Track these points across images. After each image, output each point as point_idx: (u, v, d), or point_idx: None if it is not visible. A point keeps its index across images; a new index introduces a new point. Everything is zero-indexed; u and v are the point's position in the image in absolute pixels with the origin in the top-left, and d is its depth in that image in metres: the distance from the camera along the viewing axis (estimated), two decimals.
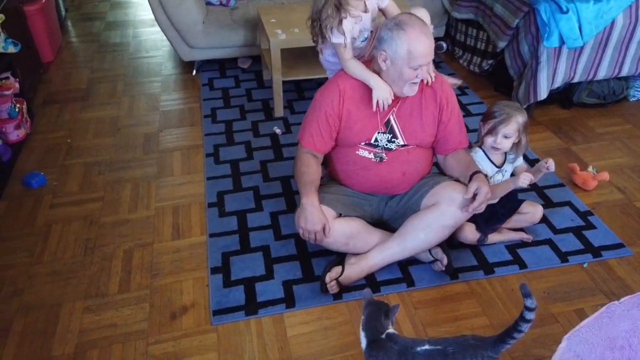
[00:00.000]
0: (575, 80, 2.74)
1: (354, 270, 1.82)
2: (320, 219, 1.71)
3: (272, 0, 3.35)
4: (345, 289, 1.81)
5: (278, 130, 2.72)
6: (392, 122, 1.78)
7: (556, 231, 2.05)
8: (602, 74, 2.75)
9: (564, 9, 2.50)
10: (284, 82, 2.80)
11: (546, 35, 2.54)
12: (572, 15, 2.51)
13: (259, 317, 1.73)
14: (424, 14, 1.84)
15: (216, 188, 2.32)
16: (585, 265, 1.91)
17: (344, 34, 1.72)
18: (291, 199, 2.24)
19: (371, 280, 1.85)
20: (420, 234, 1.77)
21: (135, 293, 1.83)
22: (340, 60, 1.79)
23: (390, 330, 1.36)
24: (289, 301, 1.78)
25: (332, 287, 1.78)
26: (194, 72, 3.34)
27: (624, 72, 2.77)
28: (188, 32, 3.07)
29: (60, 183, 2.37)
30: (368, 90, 1.73)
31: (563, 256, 1.94)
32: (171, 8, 2.98)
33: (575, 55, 2.63)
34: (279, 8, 3.01)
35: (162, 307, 1.77)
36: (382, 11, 1.88)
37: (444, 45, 3.56)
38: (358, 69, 1.74)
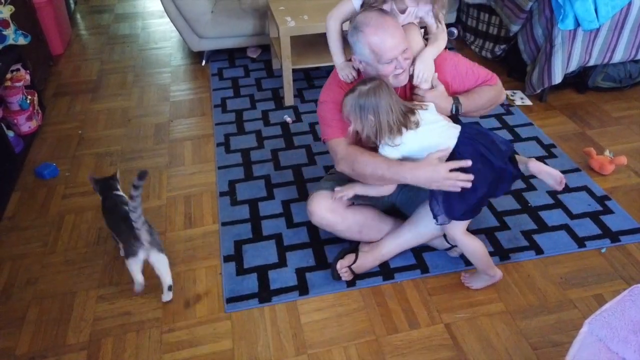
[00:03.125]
0: (591, 63, 2.68)
1: (367, 258, 1.80)
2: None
3: None
4: (358, 276, 1.80)
5: (288, 119, 2.70)
6: None
7: (573, 216, 2.01)
8: (618, 57, 2.68)
9: None
10: (293, 70, 2.78)
11: (561, 17, 2.48)
12: None
13: (273, 304, 1.72)
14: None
15: (227, 177, 2.31)
16: (603, 250, 1.87)
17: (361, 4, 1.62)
18: (302, 187, 2.22)
19: (385, 268, 1.83)
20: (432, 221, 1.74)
21: (148, 281, 1.81)
22: (334, 9, 1.70)
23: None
24: (302, 288, 1.77)
25: (345, 274, 1.77)
26: (203, 62, 3.33)
27: None
28: (197, 22, 3.05)
29: (72, 174, 2.38)
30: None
31: (580, 241, 1.90)
32: None
33: (590, 38, 2.57)
34: None
35: (176, 296, 1.77)
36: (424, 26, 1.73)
37: (455, 31, 3.53)
38: (334, 38, 1.71)
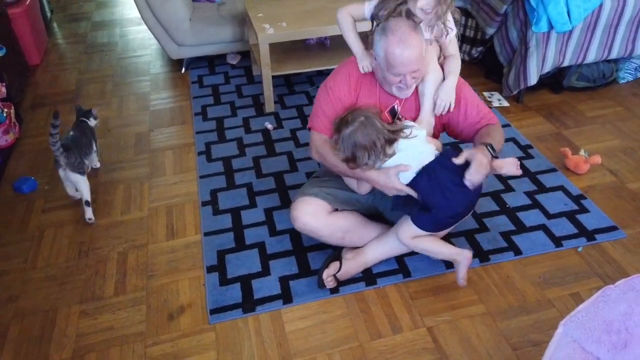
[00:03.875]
0: (565, 64, 2.74)
1: (351, 265, 1.82)
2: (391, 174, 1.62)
3: None
4: (341, 282, 1.81)
5: (269, 126, 2.71)
6: (398, 114, 1.73)
7: (550, 216, 2.06)
8: (591, 57, 2.74)
9: None
10: (273, 76, 2.79)
11: (534, 20, 2.53)
12: None
13: (257, 314, 1.73)
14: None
15: (209, 186, 2.31)
16: (579, 249, 1.92)
17: (368, 18, 1.67)
18: (285, 195, 2.23)
19: (367, 273, 1.85)
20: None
21: (132, 295, 1.82)
22: (346, 6, 1.74)
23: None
24: (286, 297, 1.78)
25: (329, 283, 1.78)
26: (183, 69, 3.31)
27: (613, 54, 2.77)
28: (175, 30, 3.04)
29: (52, 187, 2.35)
30: (375, 79, 1.71)
31: (557, 241, 1.94)
32: (157, 6, 2.95)
33: (564, 40, 2.63)
34: (266, 2, 2.98)
35: (159, 308, 1.76)
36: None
37: None
38: (349, 30, 1.73)
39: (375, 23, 1.66)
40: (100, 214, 2.19)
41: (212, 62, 3.38)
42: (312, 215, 1.79)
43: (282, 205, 2.17)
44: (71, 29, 4.06)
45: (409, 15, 1.57)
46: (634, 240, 1.95)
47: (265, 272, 1.87)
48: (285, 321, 1.70)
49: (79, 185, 2.12)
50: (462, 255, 1.71)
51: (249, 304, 1.76)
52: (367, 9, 1.68)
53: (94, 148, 2.34)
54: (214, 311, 1.74)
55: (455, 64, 1.70)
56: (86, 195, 2.12)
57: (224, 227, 2.08)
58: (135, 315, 1.74)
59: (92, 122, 2.35)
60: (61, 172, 2.09)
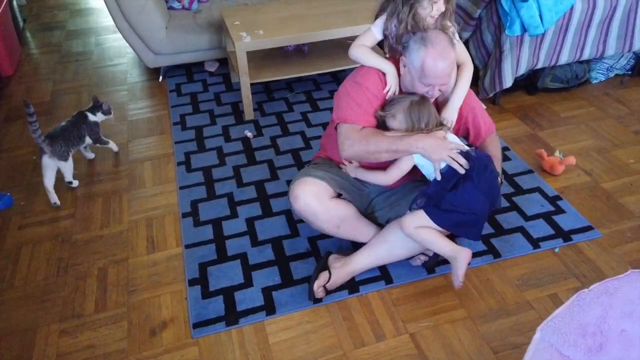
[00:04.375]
0: (539, 66, 2.79)
1: (340, 275, 1.81)
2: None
3: (235, 1, 3.31)
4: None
5: (249, 134, 2.70)
6: None
7: (527, 218, 2.09)
8: (564, 58, 2.80)
9: None
10: (252, 84, 2.78)
11: (508, 24, 2.57)
12: (533, 3, 2.54)
13: (240, 326, 1.73)
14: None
15: (189, 197, 2.29)
16: (556, 250, 1.96)
17: (382, 32, 1.72)
18: (266, 204, 2.23)
19: (350, 281, 1.85)
20: (409, 243, 1.78)
21: (113, 311, 1.80)
22: (355, 41, 1.77)
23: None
24: (269, 308, 1.78)
25: (319, 293, 1.78)
26: (160, 78, 3.29)
27: (585, 55, 2.83)
28: (151, 39, 3.01)
29: (28, 202, 2.32)
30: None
31: (535, 242, 1.98)
32: (132, 15, 2.92)
33: (537, 42, 2.68)
34: (243, 9, 2.98)
35: (141, 324, 1.75)
36: None
37: None
38: (368, 56, 1.73)
39: (391, 40, 1.70)
40: (79, 229, 2.16)
41: (190, 69, 3.36)
42: (315, 196, 1.77)
43: (263, 215, 2.17)
44: (45, 38, 3.99)
45: (442, 28, 1.65)
46: (609, 239, 2.00)
47: (247, 283, 1.87)
48: (269, 333, 1.70)
49: (63, 168, 2.28)
50: (462, 253, 1.68)
51: (232, 316, 1.75)
52: (376, 30, 1.73)
53: (85, 142, 2.41)
54: (196, 325, 1.73)
55: (466, 77, 1.77)
56: (68, 176, 2.31)
57: (205, 239, 2.07)
58: (117, 332, 1.73)
59: (95, 117, 2.42)
60: (44, 160, 2.20)
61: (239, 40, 2.58)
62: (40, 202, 2.31)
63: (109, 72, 3.44)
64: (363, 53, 1.74)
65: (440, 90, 1.70)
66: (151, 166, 2.52)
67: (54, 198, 2.26)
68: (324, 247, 1.99)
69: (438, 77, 1.63)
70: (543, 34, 2.65)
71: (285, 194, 2.28)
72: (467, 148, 1.67)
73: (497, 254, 1.94)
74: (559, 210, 2.12)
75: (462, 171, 1.62)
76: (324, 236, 2.04)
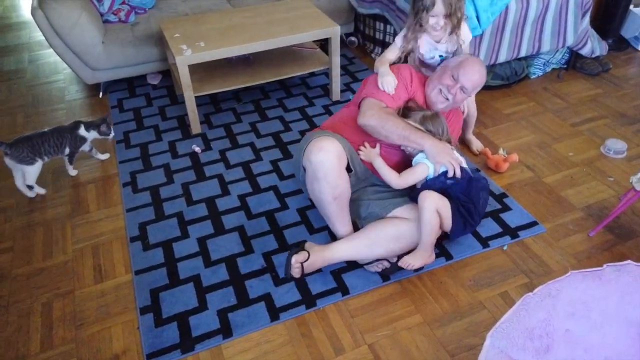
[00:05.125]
0: None
1: (317, 259, 1.85)
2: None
3: (174, 11, 3.23)
4: (281, 308, 1.80)
5: (197, 149, 2.64)
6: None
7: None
8: (502, 57, 2.89)
9: None
10: (197, 96, 2.72)
11: None
12: (469, 5, 2.60)
13: (196, 352, 1.68)
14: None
15: (137, 219, 2.22)
16: (504, 247, 2.01)
17: (402, 45, 2.09)
18: (218, 221, 2.19)
19: (307, 295, 1.84)
20: (391, 244, 1.84)
21: (60, 349, 1.72)
22: (383, 55, 2.12)
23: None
24: (226, 331, 1.74)
25: (296, 270, 1.80)
26: (101, 94, 3.16)
27: (522, 52, 2.93)
28: (87, 55, 2.89)
29: None
30: (423, 93, 2.05)
31: (484, 242, 2.03)
32: (65, 31, 2.79)
33: (476, 43, 2.74)
34: (183, 20, 2.90)
35: None
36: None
37: (354, 40, 3.62)
38: (382, 67, 2.02)
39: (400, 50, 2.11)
40: (19, 263, 2.04)
41: (132, 83, 3.26)
42: (338, 157, 1.77)
43: (215, 233, 2.13)
44: None
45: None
46: (553, 233, 2.07)
47: (202, 307, 1.83)
48: (226, 357, 1.67)
49: (26, 171, 2.29)
50: (432, 253, 1.87)
51: (187, 343, 1.71)
52: (398, 40, 2.12)
53: (65, 152, 2.40)
54: (150, 355, 1.67)
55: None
56: (29, 180, 2.32)
57: (156, 263, 2.00)
58: None
59: (86, 133, 2.41)
60: (6, 161, 2.26)
61: (180, 54, 2.51)
62: None
63: (45, 90, 3.28)
64: (384, 74, 1.99)
65: (457, 95, 1.94)
66: (95, 189, 2.42)
67: (29, 194, 2.36)
68: (279, 262, 1.97)
69: (467, 78, 1.92)
70: (481, 35, 2.72)
71: (237, 209, 2.24)
72: (466, 166, 1.88)
73: (449, 256, 1.98)
74: (506, 208, 2.19)
75: (458, 174, 1.82)
76: (278, 251, 2.02)
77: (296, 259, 1.81)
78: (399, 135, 1.84)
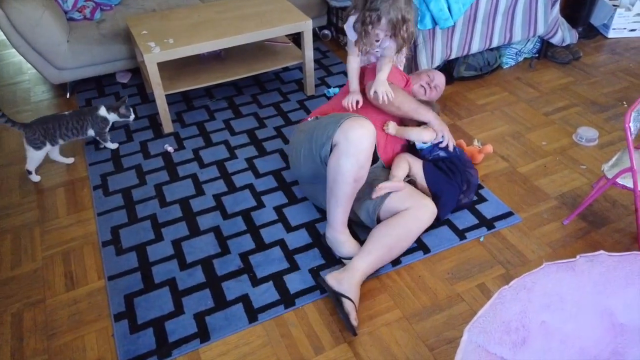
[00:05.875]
0: (452, 56, 2.86)
1: (352, 287, 1.74)
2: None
3: (141, 7, 3.14)
4: (259, 309, 1.78)
5: (170, 148, 2.58)
6: None
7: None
8: (475, 47, 2.89)
9: None
10: (169, 94, 2.66)
11: (419, 18, 2.61)
12: None
13: (174, 358, 1.65)
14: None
15: (109, 223, 2.16)
16: (481, 239, 2.02)
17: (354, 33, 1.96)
18: (193, 222, 2.14)
19: (285, 294, 1.82)
20: (403, 243, 1.88)
21: None
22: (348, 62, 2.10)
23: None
24: (203, 335, 1.71)
25: (356, 322, 1.69)
26: (68, 94, 3.07)
27: (494, 43, 2.94)
28: (52, 54, 2.80)
29: None
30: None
31: (461, 234, 2.04)
32: (27, 30, 2.68)
33: (448, 34, 2.74)
34: (150, 17, 2.82)
35: None
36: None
37: (328, 33, 3.59)
38: (354, 84, 2.08)
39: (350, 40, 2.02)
40: None
41: (101, 82, 3.17)
42: (374, 139, 1.78)
43: (190, 234, 2.09)
44: None
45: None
46: (528, 223, 2.09)
47: (178, 311, 1.79)
48: None
49: (27, 154, 2.32)
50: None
51: (164, 349, 1.67)
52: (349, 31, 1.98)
53: (87, 134, 2.44)
54: None
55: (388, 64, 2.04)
56: (29, 165, 2.36)
57: (130, 268, 1.96)
58: None
59: (107, 114, 2.44)
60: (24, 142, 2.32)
61: (148, 52, 2.45)
62: None
63: (10, 91, 3.17)
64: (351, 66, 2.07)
65: (431, 89, 2.31)
66: (64, 193, 2.35)
67: (63, 160, 2.49)
68: (256, 262, 1.95)
69: (439, 79, 2.36)
70: (453, 26, 2.71)
71: (212, 209, 2.20)
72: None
73: (426, 249, 1.98)
74: (482, 199, 2.20)
75: (450, 148, 2.10)
76: (255, 251, 1.99)
77: (353, 316, 1.67)
78: (410, 106, 2.04)
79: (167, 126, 2.70)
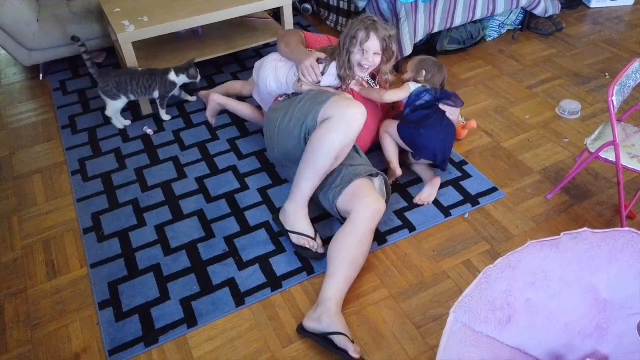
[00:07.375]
0: (435, 30, 2.82)
1: (333, 320, 1.59)
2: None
3: None
4: (246, 292, 1.77)
5: (149, 131, 2.52)
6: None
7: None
8: (458, 20, 2.85)
9: None
10: None
11: None
12: None
13: (161, 344, 1.64)
14: None
15: (90, 209, 2.11)
16: (466, 215, 2.03)
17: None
18: (176, 206, 2.11)
19: (271, 277, 1.82)
20: (363, 247, 1.74)
21: (16, 352, 1.64)
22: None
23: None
24: (190, 320, 1.70)
25: (356, 353, 1.53)
26: (41, 76, 2.97)
27: (477, 15, 2.89)
28: (22, 34, 2.68)
29: None
30: None
31: (446, 211, 2.04)
32: None
33: (431, 8, 2.69)
34: None
35: None
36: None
37: (309, 7, 3.50)
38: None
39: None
40: None
41: (75, 63, 3.06)
42: (364, 119, 1.81)
43: (174, 219, 2.05)
44: None
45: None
46: (512, 198, 2.10)
47: (164, 297, 1.77)
48: (192, 346, 1.63)
49: (107, 104, 2.42)
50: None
51: (150, 335, 1.66)
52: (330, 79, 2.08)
53: (153, 95, 2.46)
54: (113, 351, 1.62)
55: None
56: (108, 111, 2.45)
57: (113, 254, 1.93)
58: None
59: (176, 78, 2.45)
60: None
61: (122, 31, 2.36)
62: None
63: None
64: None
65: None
66: (42, 179, 2.29)
67: (119, 123, 2.53)
68: (241, 245, 1.93)
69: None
70: None
71: (195, 192, 2.17)
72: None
73: (412, 228, 1.98)
74: (466, 175, 2.20)
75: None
76: (240, 234, 1.97)
77: (354, 348, 1.52)
78: (373, 97, 2.12)
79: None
